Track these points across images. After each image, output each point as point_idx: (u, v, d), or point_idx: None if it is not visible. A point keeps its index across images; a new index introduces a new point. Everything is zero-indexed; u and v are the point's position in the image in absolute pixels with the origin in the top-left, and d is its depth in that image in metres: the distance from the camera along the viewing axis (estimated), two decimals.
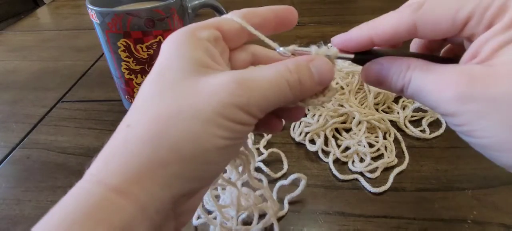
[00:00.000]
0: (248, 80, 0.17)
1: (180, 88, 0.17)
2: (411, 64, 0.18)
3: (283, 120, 0.23)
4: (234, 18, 0.20)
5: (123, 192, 0.15)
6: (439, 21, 0.17)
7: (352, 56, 0.20)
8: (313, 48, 0.20)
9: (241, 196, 0.27)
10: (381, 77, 0.19)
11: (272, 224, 0.30)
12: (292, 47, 0.20)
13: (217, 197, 0.34)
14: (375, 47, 0.20)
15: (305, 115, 0.44)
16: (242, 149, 0.23)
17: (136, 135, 0.16)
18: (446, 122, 0.17)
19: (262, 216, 0.31)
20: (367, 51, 0.20)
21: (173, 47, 0.18)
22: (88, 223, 0.14)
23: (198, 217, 0.32)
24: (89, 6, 0.37)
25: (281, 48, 0.20)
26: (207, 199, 0.32)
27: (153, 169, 0.15)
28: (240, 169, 0.24)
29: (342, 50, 0.20)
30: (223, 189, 0.33)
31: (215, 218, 0.31)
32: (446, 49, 0.23)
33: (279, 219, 0.32)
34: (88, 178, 0.16)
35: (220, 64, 0.19)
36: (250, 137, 0.42)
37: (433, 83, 0.17)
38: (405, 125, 0.43)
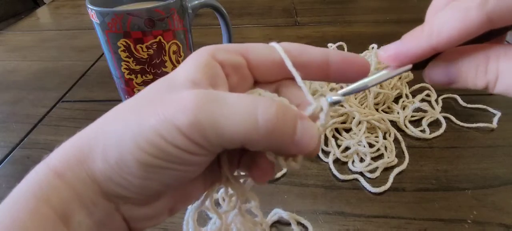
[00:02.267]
0: (209, 102, 0.14)
1: (150, 97, 0.16)
2: (491, 53, 0.15)
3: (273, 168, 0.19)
4: (276, 46, 0.17)
5: (60, 174, 0.16)
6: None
7: (409, 67, 0.17)
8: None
9: (226, 228, 0.24)
10: (452, 77, 0.16)
11: None
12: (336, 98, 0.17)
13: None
14: None
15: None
16: (234, 182, 0.20)
17: (94, 124, 0.17)
18: None
19: None
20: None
21: (188, 59, 0.17)
22: (33, 201, 0.15)
23: None
24: (89, 6, 0.37)
25: (313, 103, 0.17)
26: (190, 223, 0.26)
27: (86, 160, 0.16)
28: (234, 199, 0.22)
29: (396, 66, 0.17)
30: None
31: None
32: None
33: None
34: (44, 159, 0.17)
35: (218, 89, 0.17)
36: None
37: None
38: (405, 125, 0.43)
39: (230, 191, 0.21)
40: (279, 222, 0.32)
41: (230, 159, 0.19)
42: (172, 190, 0.18)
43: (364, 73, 0.18)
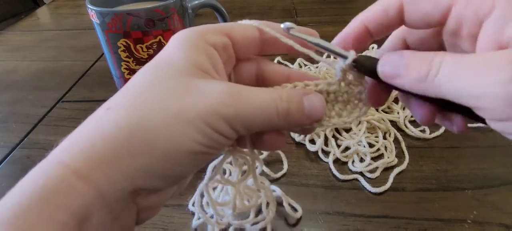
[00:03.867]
0: (240, 95, 0.17)
1: (170, 84, 0.16)
2: (438, 52, 0.16)
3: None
4: (253, 23, 0.19)
5: (85, 176, 0.15)
6: (423, 2, 0.17)
7: (351, 54, 0.19)
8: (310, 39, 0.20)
9: (239, 195, 0.27)
10: (401, 68, 0.17)
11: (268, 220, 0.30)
12: (298, 32, 0.19)
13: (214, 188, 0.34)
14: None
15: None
16: (246, 150, 0.22)
17: (113, 119, 0.16)
18: (487, 124, 0.16)
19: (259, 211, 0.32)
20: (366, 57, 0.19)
21: (178, 44, 0.18)
22: (47, 208, 0.14)
23: (199, 218, 0.32)
24: (89, 6, 0.37)
25: (282, 25, 0.19)
26: (206, 196, 0.31)
27: (120, 157, 0.15)
28: (244, 168, 0.24)
29: (342, 47, 0.20)
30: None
31: (212, 217, 0.31)
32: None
33: (279, 218, 0.32)
34: (50, 158, 0.15)
35: (220, 74, 0.18)
36: None
37: (473, 68, 0.14)
38: (405, 125, 0.43)
39: (240, 161, 0.23)
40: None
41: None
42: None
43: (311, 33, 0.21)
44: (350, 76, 0.20)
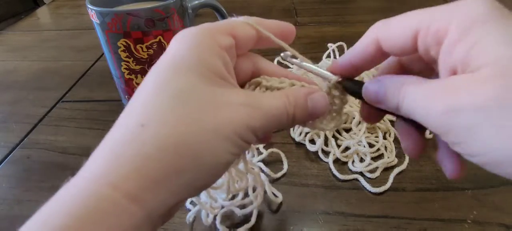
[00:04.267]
0: (262, 107, 0.18)
1: (199, 97, 0.17)
2: (406, 80, 0.18)
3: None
4: (250, 22, 0.20)
5: (136, 198, 0.15)
6: (394, 35, 0.18)
7: (333, 78, 0.22)
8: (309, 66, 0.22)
9: (232, 179, 0.29)
10: (379, 95, 0.19)
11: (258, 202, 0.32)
12: (297, 61, 0.22)
13: None
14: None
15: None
16: None
17: (154, 137, 0.15)
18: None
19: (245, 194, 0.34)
20: (355, 81, 0.21)
21: (190, 43, 0.18)
22: (100, 229, 0.14)
23: (191, 202, 0.33)
24: (89, 6, 0.37)
25: (282, 54, 0.22)
26: None
27: (169, 175, 0.15)
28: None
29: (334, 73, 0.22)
30: None
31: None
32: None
33: (278, 217, 0.33)
34: (92, 178, 0.15)
35: (233, 77, 0.19)
36: None
37: (423, 99, 0.16)
38: None
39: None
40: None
41: None
42: None
43: (292, 33, 0.22)
44: (335, 93, 0.22)
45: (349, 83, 0.21)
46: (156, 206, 0.15)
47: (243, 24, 0.20)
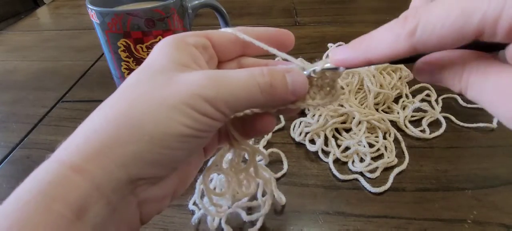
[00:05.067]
0: (219, 76, 0.18)
1: (155, 79, 0.18)
2: (466, 65, 0.15)
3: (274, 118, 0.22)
4: (229, 31, 0.21)
5: (79, 169, 0.15)
6: (444, 41, 0.14)
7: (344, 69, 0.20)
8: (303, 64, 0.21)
9: (238, 182, 0.28)
10: (436, 79, 0.17)
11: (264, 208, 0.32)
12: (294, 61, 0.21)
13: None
14: None
15: (306, 114, 0.44)
16: (244, 146, 0.24)
17: (103, 115, 0.17)
18: None
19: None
20: None
21: (161, 48, 0.19)
22: (44, 200, 0.14)
23: (194, 203, 0.33)
24: (89, 6, 0.37)
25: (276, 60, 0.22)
26: (203, 187, 0.29)
27: (111, 146, 0.16)
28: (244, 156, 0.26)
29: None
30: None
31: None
32: None
33: (278, 218, 0.33)
34: (50, 158, 0.16)
35: (202, 67, 0.20)
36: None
37: (493, 94, 0.14)
38: (405, 125, 0.43)
39: (238, 152, 0.25)
40: None
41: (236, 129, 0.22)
42: (182, 165, 0.20)
43: (289, 40, 0.22)
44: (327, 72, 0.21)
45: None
46: (102, 178, 0.16)
47: (220, 31, 0.21)
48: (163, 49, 0.19)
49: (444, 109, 0.45)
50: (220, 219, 0.32)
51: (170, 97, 0.17)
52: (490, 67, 0.14)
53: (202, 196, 0.29)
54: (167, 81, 0.17)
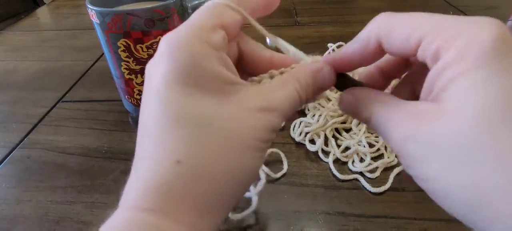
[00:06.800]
0: (278, 107, 0.18)
1: (219, 115, 0.17)
2: (376, 97, 0.18)
3: None
4: (231, 5, 0.19)
5: (191, 225, 0.16)
6: (398, 37, 0.16)
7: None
8: (292, 50, 0.21)
9: None
10: (353, 108, 0.19)
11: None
12: (283, 44, 0.22)
13: None
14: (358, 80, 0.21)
15: (306, 114, 0.44)
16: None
17: (191, 173, 0.16)
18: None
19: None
20: (345, 78, 0.21)
21: (185, 55, 0.16)
22: None
23: None
24: (89, 6, 0.37)
25: (268, 40, 0.22)
26: None
27: (211, 203, 0.16)
28: None
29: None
30: None
31: None
32: (404, 77, 0.21)
33: (278, 217, 0.33)
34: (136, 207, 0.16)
35: (236, 73, 0.19)
36: None
37: (387, 121, 0.16)
38: None
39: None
40: None
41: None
42: None
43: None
44: None
45: (340, 79, 0.21)
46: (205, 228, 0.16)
47: (229, 11, 0.19)
48: (190, 59, 0.16)
49: None
50: None
51: (247, 139, 0.17)
52: (395, 99, 0.17)
53: None
54: (233, 118, 0.17)
